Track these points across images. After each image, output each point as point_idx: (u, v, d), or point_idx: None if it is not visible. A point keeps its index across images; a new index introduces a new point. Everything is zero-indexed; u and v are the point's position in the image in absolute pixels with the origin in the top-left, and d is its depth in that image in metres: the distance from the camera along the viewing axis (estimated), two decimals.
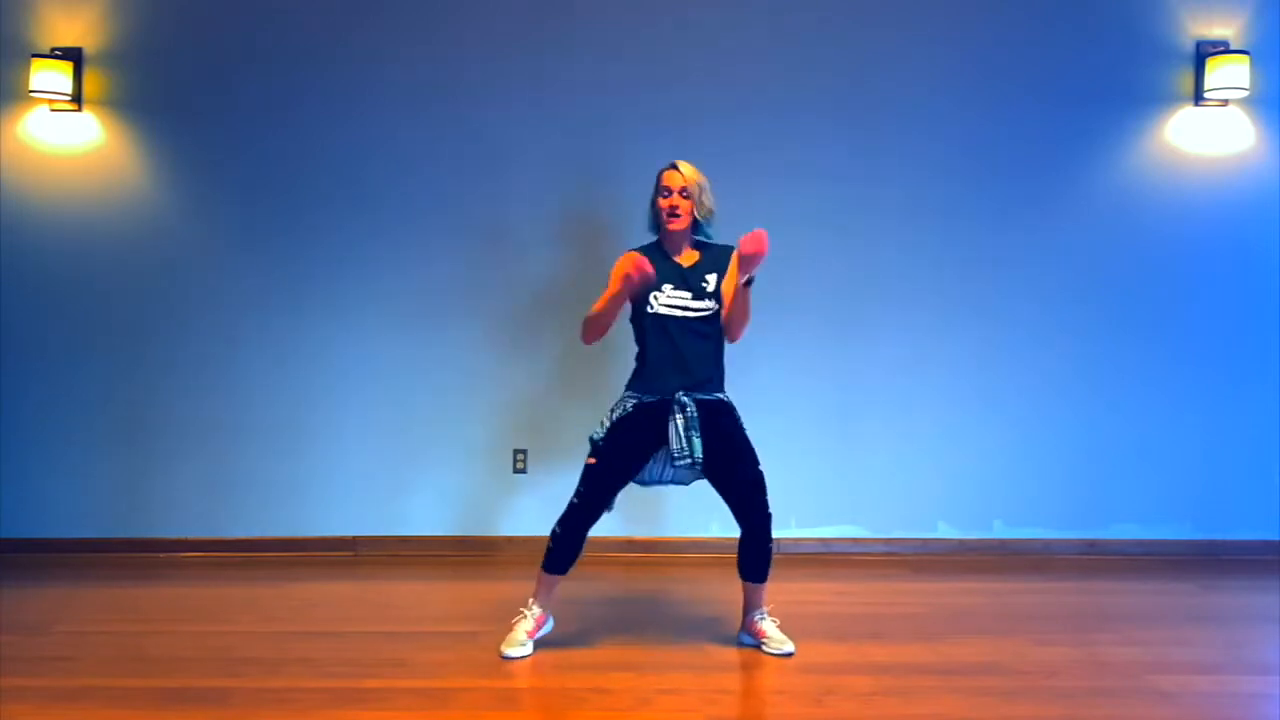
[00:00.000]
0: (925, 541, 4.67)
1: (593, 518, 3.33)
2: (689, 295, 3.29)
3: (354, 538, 4.66)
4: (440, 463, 4.64)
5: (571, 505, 3.33)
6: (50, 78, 4.43)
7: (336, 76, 4.60)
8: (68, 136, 4.59)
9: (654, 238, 3.44)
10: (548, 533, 4.61)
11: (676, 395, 3.23)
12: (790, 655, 3.26)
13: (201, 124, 4.61)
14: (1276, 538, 4.63)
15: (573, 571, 4.39)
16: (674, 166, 3.34)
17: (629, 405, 3.31)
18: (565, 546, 3.34)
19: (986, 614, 3.69)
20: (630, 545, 4.65)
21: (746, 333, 3.32)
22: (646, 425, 3.27)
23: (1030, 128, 4.61)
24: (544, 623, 3.39)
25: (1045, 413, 4.64)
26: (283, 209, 4.62)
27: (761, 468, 3.29)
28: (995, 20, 4.61)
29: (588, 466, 3.33)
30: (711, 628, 3.56)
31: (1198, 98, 4.57)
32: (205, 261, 4.62)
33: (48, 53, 4.48)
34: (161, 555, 4.59)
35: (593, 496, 3.30)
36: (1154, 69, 4.60)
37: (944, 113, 4.60)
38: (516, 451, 4.66)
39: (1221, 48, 4.52)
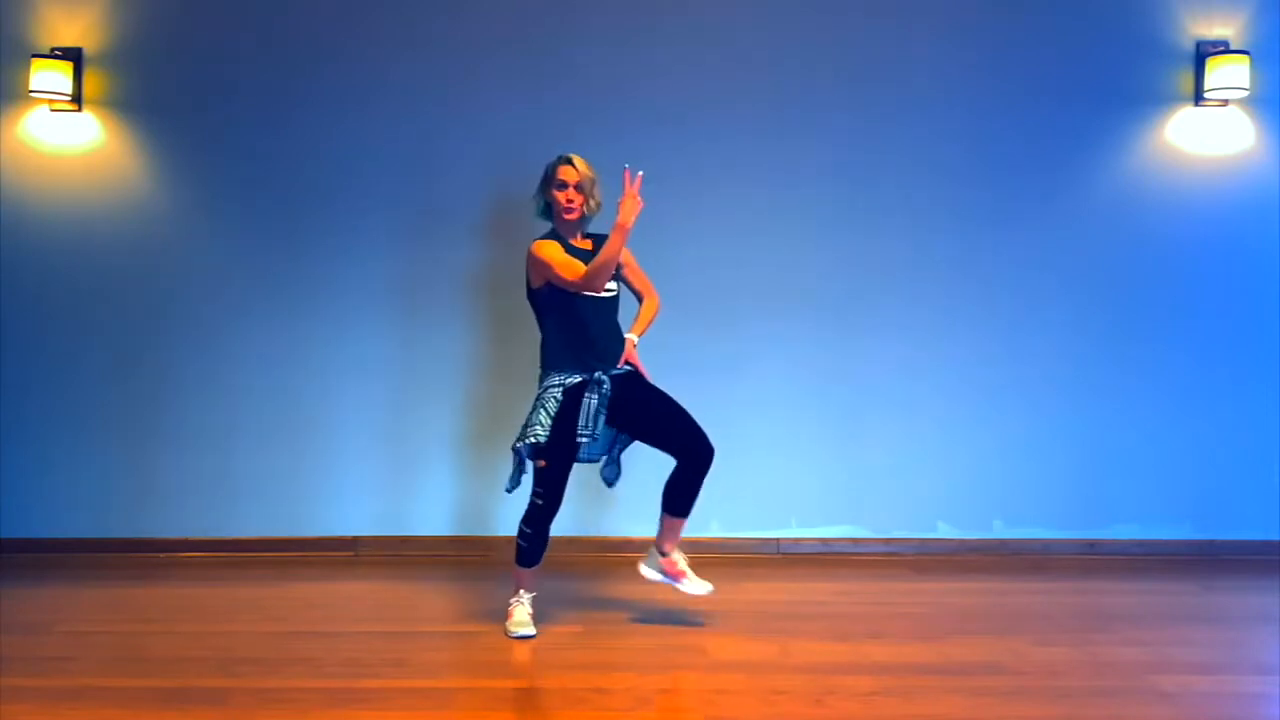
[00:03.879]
0: (925, 541, 4.66)
1: (556, 512, 3.48)
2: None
3: (354, 538, 4.66)
4: (440, 463, 4.64)
5: (534, 506, 3.46)
6: (50, 78, 4.43)
7: (336, 76, 4.60)
8: (68, 136, 4.59)
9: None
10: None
11: (595, 375, 3.42)
12: (708, 593, 3.51)
13: (201, 124, 4.60)
14: (1276, 538, 4.63)
15: (570, 571, 4.41)
16: (569, 161, 3.53)
17: (558, 395, 3.43)
18: (538, 543, 3.49)
19: (986, 614, 3.69)
20: (629, 545, 4.65)
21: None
22: (574, 409, 3.41)
23: (1030, 127, 4.61)
24: (531, 601, 3.53)
25: (1045, 413, 4.64)
26: (282, 209, 4.62)
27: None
28: (995, 20, 4.61)
29: (540, 470, 3.44)
30: (712, 627, 3.56)
31: (1198, 98, 4.57)
32: (205, 261, 4.62)
33: (48, 53, 4.48)
34: (161, 555, 4.58)
35: (553, 493, 3.44)
36: (1154, 69, 4.60)
37: (944, 112, 4.60)
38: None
39: (1221, 48, 4.52)
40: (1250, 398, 4.64)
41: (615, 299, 3.55)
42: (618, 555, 4.62)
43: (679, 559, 3.58)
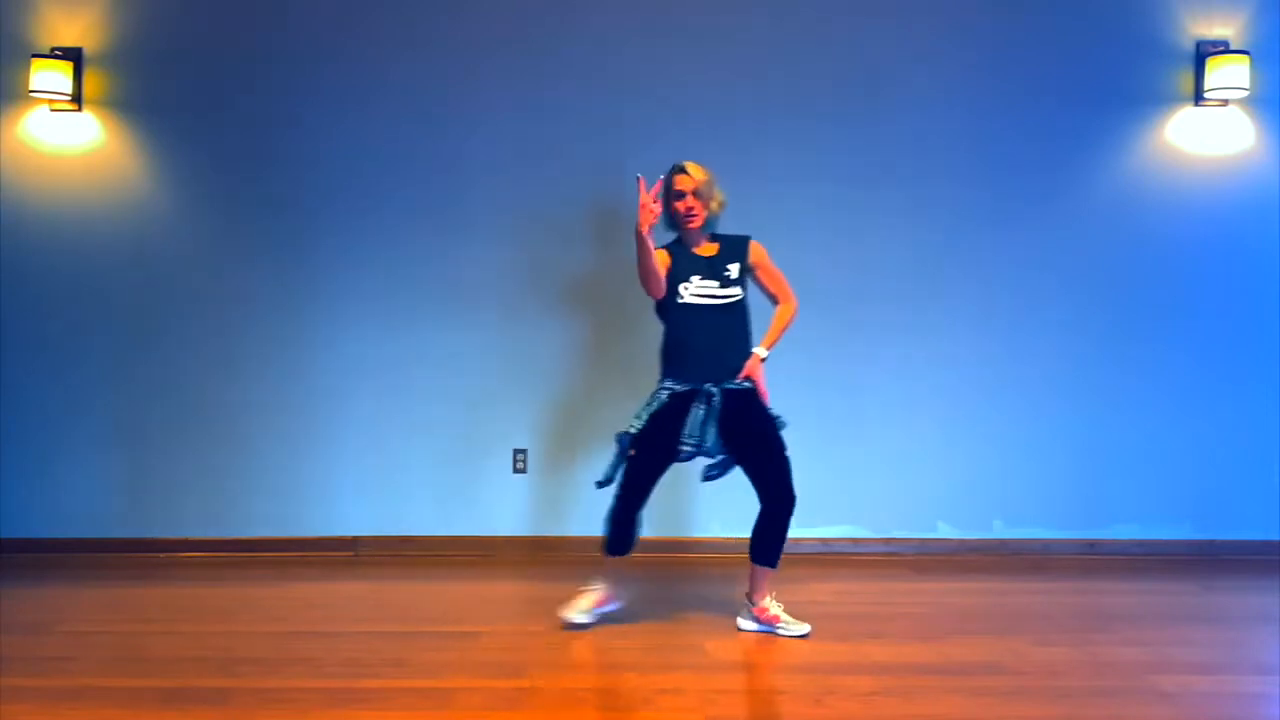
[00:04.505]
0: (925, 541, 4.67)
1: (640, 503, 3.49)
2: (716, 284, 3.46)
3: (354, 538, 4.66)
4: (440, 463, 4.64)
5: (618, 496, 3.49)
6: (50, 78, 4.43)
7: (337, 75, 4.60)
8: (68, 136, 4.59)
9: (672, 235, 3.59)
10: (547, 533, 4.66)
11: (705, 387, 3.39)
12: (806, 636, 3.39)
13: (201, 124, 4.61)
14: (1276, 538, 4.63)
15: (571, 571, 4.40)
16: (683, 170, 3.49)
17: (664, 396, 3.46)
18: (622, 532, 3.51)
19: (986, 614, 3.69)
20: None
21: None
22: (681, 412, 3.40)
23: (1030, 127, 4.61)
24: (609, 600, 3.56)
25: (1045, 413, 4.64)
26: (282, 209, 4.62)
27: (788, 453, 3.44)
28: (995, 20, 4.61)
29: (630, 459, 3.46)
30: (712, 627, 3.56)
31: (1198, 98, 4.57)
32: (205, 261, 4.62)
33: (48, 53, 4.48)
34: (161, 555, 4.58)
35: (636, 485, 3.46)
36: (1154, 69, 4.60)
37: (944, 112, 4.60)
38: (516, 451, 4.66)
39: (1221, 48, 4.52)
40: (1250, 398, 4.64)
41: (729, 306, 3.46)
42: None
43: (770, 605, 3.49)
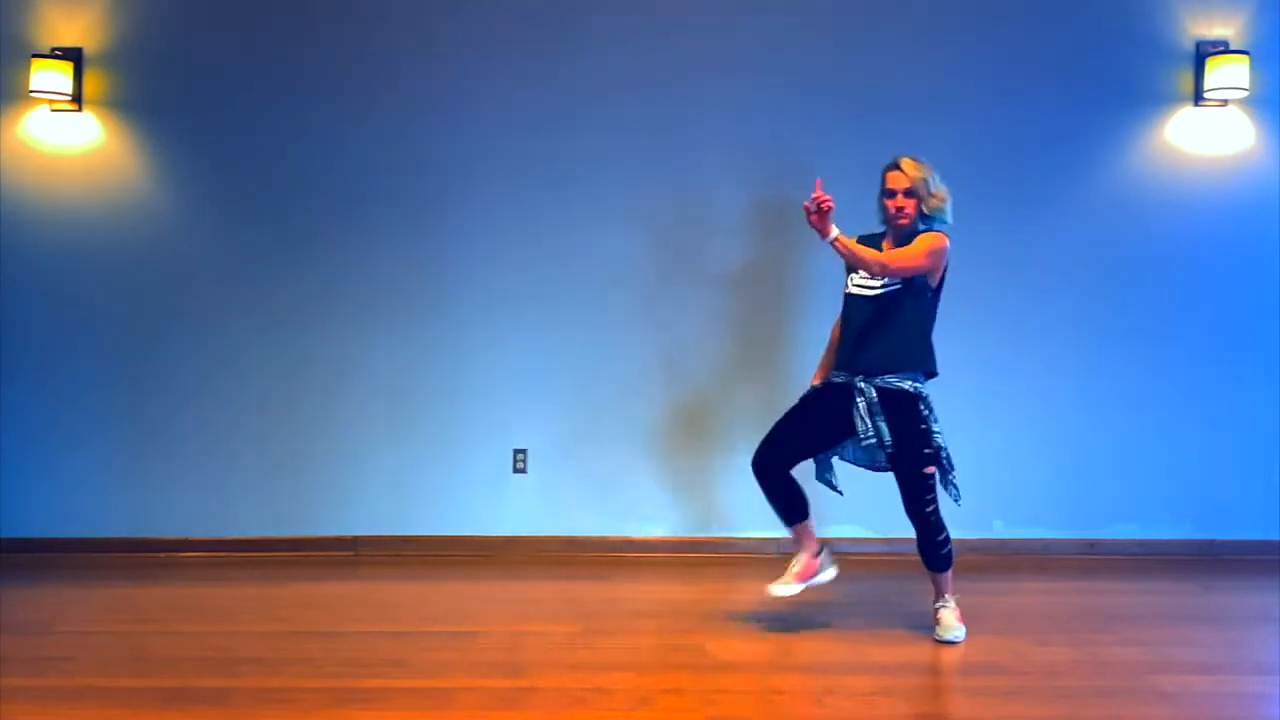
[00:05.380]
0: None
1: (773, 462, 3.44)
2: (869, 275, 3.37)
3: (354, 538, 4.66)
4: (440, 463, 4.64)
5: (752, 461, 3.47)
6: (50, 78, 4.43)
7: (338, 76, 4.60)
8: (68, 136, 4.59)
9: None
10: (547, 533, 4.66)
11: (856, 381, 3.35)
12: (953, 643, 3.33)
13: (202, 124, 4.60)
14: (1276, 538, 4.63)
15: (570, 571, 4.41)
16: (897, 166, 3.41)
17: (818, 383, 3.52)
18: (775, 499, 3.48)
19: (986, 614, 3.69)
20: (630, 545, 4.65)
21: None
22: (830, 400, 3.42)
23: (1029, 127, 4.61)
24: (816, 568, 3.52)
25: (1045, 413, 4.64)
26: (282, 209, 4.62)
27: (929, 469, 3.35)
28: (995, 21, 4.60)
29: (787, 413, 3.50)
30: (712, 627, 3.56)
31: (1198, 98, 4.57)
32: (205, 261, 4.62)
33: (48, 53, 4.48)
34: (161, 555, 4.58)
35: (770, 438, 3.46)
36: (1154, 69, 4.60)
37: (944, 113, 4.59)
38: (516, 451, 4.66)
39: (1221, 48, 4.52)
40: (1250, 398, 4.64)
41: (879, 298, 3.37)
42: (617, 556, 4.62)
43: (939, 606, 3.44)
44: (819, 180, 3.21)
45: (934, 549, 3.41)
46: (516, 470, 4.66)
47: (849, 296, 3.48)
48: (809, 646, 3.34)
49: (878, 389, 3.34)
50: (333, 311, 4.62)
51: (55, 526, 4.59)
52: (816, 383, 3.58)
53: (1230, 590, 4.09)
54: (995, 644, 3.35)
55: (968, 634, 3.39)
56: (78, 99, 4.54)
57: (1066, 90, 4.60)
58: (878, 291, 3.38)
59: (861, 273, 3.40)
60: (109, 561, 4.49)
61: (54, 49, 4.50)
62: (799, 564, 3.49)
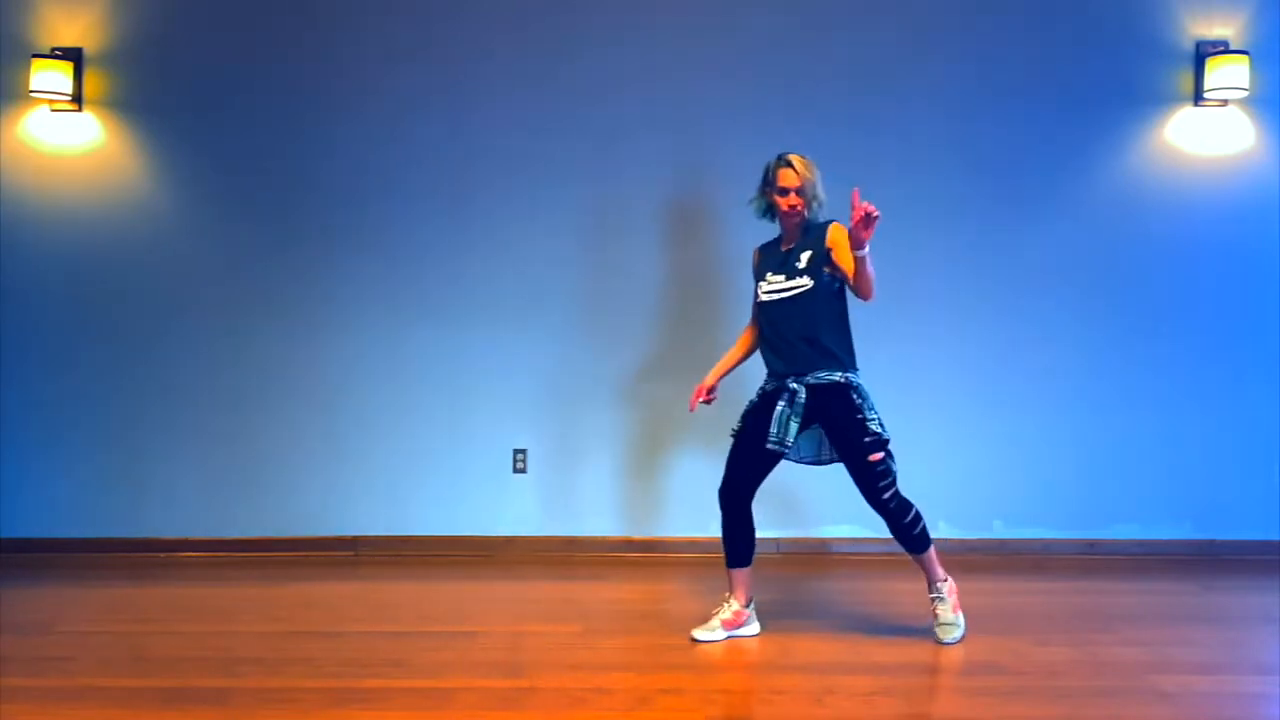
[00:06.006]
0: None
1: (732, 501, 3.43)
2: (783, 278, 3.38)
3: (354, 538, 4.66)
4: (440, 463, 4.64)
5: (718, 494, 3.45)
6: (50, 78, 4.43)
7: (338, 76, 4.60)
8: (68, 136, 4.59)
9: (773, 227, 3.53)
10: (548, 533, 4.67)
11: (787, 381, 3.33)
12: (953, 643, 3.31)
13: (201, 124, 4.61)
14: (1276, 538, 4.63)
15: (570, 571, 4.41)
16: (788, 164, 3.37)
17: (756, 393, 3.46)
18: (727, 534, 3.45)
19: (986, 614, 3.69)
20: (629, 545, 4.65)
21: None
22: (766, 409, 3.37)
23: (1030, 127, 4.61)
24: (744, 619, 3.45)
25: (1045, 413, 4.64)
26: (282, 209, 4.62)
27: (875, 456, 3.29)
28: (995, 21, 4.61)
29: (730, 452, 3.46)
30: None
31: (1198, 98, 4.57)
32: (205, 261, 4.62)
33: (48, 53, 4.48)
34: (161, 555, 4.59)
35: (729, 476, 3.43)
36: (1154, 69, 4.60)
37: (944, 113, 4.60)
38: (516, 451, 4.66)
39: (1221, 48, 4.52)
40: (1250, 398, 4.64)
41: (796, 298, 3.34)
42: (618, 555, 4.63)
43: (934, 598, 3.41)
44: (857, 190, 3.13)
45: (906, 530, 3.39)
46: (516, 470, 4.66)
47: (765, 304, 3.42)
48: (809, 646, 3.34)
49: (808, 386, 3.33)
50: (332, 311, 4.63)
51: (55, 526, 4.59)
52: (702, 383, 3.56)
53: (1230, 590, 4.09)
54: (995, 644, 3.34)
55: (967, 625, 3.38)
56: (78, 99, 4.54)
57: (1066, 90, 4.60)
58: (789, 294, 3.36)
59: (770, 277, 3.40)
60: (109, 561, 4.49)
61: (54, 49, 4.50)
62: (728, 612, 3.43)
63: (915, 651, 3.28)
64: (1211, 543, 4.64)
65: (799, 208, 3.37)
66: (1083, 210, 4.62)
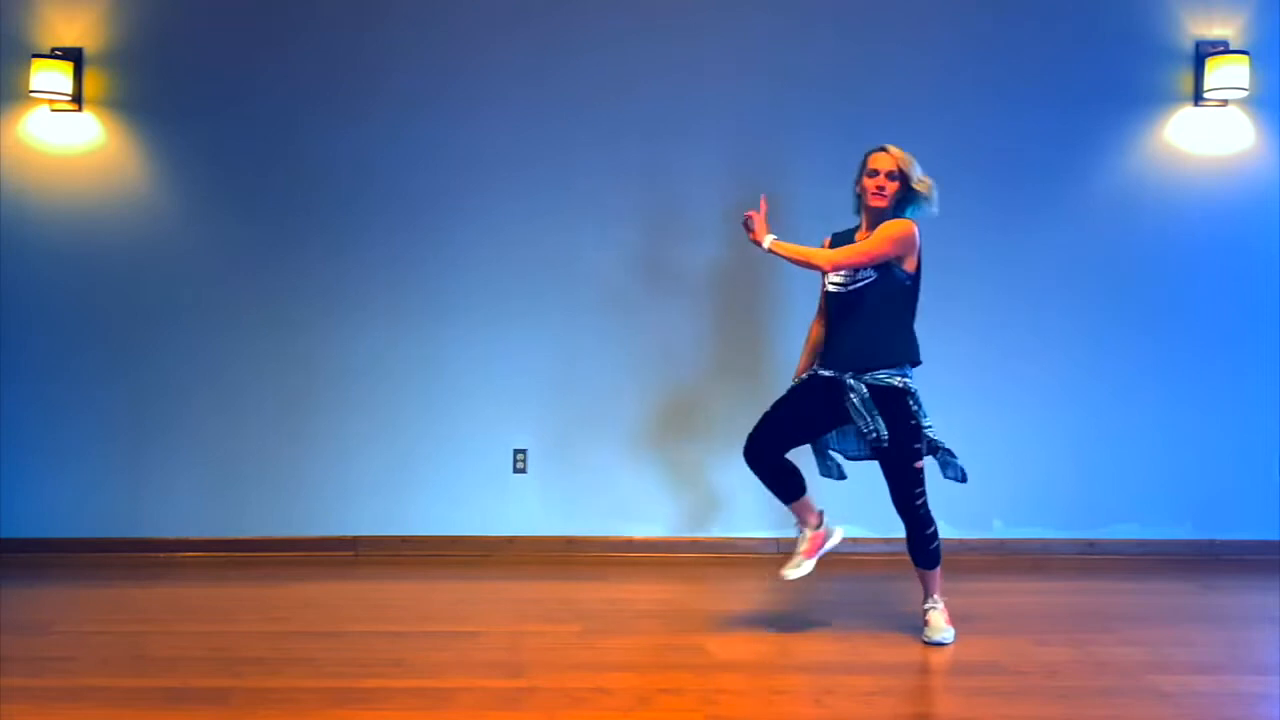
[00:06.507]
0: None
1: (760, 446, 3.44)
2: (849, 270, 3.36)
3: (354, 538, 4.66)
4: (440, 463, 4.64)
5: (744, 450, 3.47)
6: (50, 78, 4.43)
7: (337, 76, 4.60)
8: (68, 136, 4.59)
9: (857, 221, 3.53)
10: (548, 533, 4.67)
11: (846, 378, 3.34)
12: (942, 645, 3.32)
13: (202, 124, 4.60)
14: (1276, 538, 4.62)
15: (570, 571, 4.41)
16: (883, 149, 3.40)
17: (808, 373, 3.49)
18: (770, 481, 3.48)
19: (986, 614, 3.69)
20: (629, 545, 4.65)
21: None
22: (819, 392, 3.41)
23: (1029, 127, 4.61)
24: (822, 539, 3.53)
25: (1045, 412, 4.63)
26: (283, 209, 4.62)
27: (918, 464, 3.36)
28: (995, 20, 4.60)
29: (779, 400, 3.51)
30: (712, 627, 3.56)
31: (1197, 98, 4.57)
32: (205, 261, 4.62)
33: (48, 53, 4.48)
34: (161, 555, 4.58)
35: (760, 427, 3.46)
36: (1154, 69, 4.60)
37: (943, 113, 4.60)
38: (516, 451, 4.66)
39: (1221, 48, 4.52)
40: (1250, 398, 4.64)
41: (857, 291, 3.35)
42: (618, 555, 4.63)
43: (928, 608, 3.44)
44: (764, 196, 3.36)
45: (924, 543, 3.41)
46: (516, 470, 4.66)
47: (827, 294, 3.48)
48: (809, 646, 3.34)
49: (868, 385, 3.33)
50: (332, 311, 4.63)
51: (55, 526, 4.59)
52: (801, 370, 3.57)
53: (1230, 590, 4.09)
54: (995, 644, 3.35)
55: (957, 636, 3.38)
56: (78, 99, 4.54)
57: (1066, 90, 4.60)
58: (851, 287, 3.37)
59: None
60: (109, 561, 4.49)
61: (54, 49, 4.50)
62: (805, 542, 3.51)
63: (915, 651, 3.28)
64: (1211, 543, 4.64)
65: (887, 190, 3.34)
66: (1082, 210, 4.62)
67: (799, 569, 3.46)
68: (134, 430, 4.62)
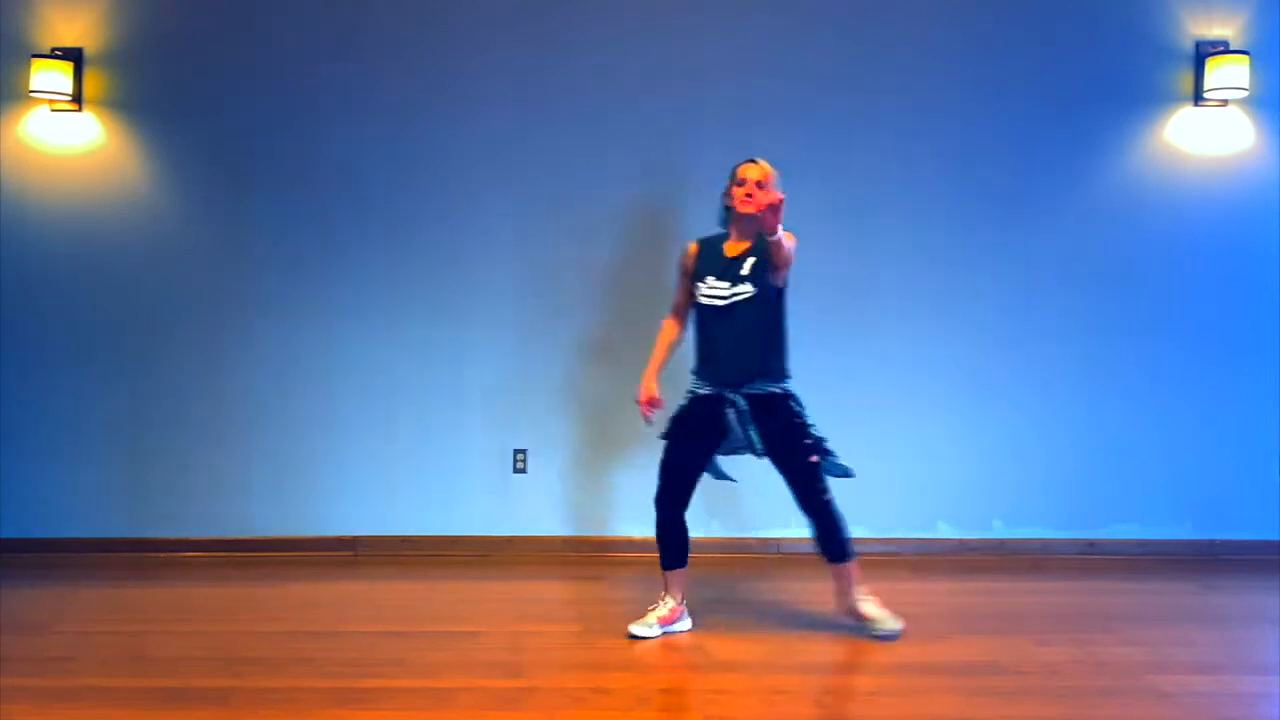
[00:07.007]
0: (925, 541, 4.66)
1: (671, 506, 3.48)
2: (727, 284, 3.39)
3: (354, 538, 4.66)
4: (440, 463, 4.64)
5: (655, 500, 3.49)
6: (50, 78, 4.43)
7: (338, 76, 4.60)
8: (68, 136, 4.59)
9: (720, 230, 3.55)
10: (547, 533, 4.67)
11: (725, 392, 3.36)
12: (896, 635, 3.34)
13: (202, 124, 4.61)
14: (1276, 538, 4.63)
15: (570, 571, 4.41)
16: (753, 161, 3.47)
17: (687, 397, 3.48)
18: (664, 540, 3.50)
19: (986, 614, 3.69)
20: (630, 545, 4.65)
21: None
22: (703, 416, 3.41)
23: (1029, 127, 4.61)
24: (678, 615, 3.50)
25: (1045, 412, 4.64)
26: (282, 209, 4.62)
27: (813, 458, 3.38)
28: (995, 20, 4.61)
29: (663, 456, 3.49)
30: (711, 627, 3.56)
31: (1197, 98, 4.57)
32: (205, 261, 4.62)
33: (48, 53, 4.48)
34: (161, 555, 4.58)
35: (665, 486, 3.47)
36: (1154, 69, 4.60)
37: (944, 113, 4.60)
38: (516, 451, 4.66)
39: (1221, 48, 4.52)
40: (1250, 398, 4.64)
41: (735, 306, 3.37)
42: (618, 555, 4.63)
43: (858, 602, 3.45)
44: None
45: (835, 535, 3.43)
46: (516, 470, 4.66)
47: (701, 306, 3.45)
48: (809, 646, 3.34)
49: (746, 396, 3.36)
50: (332, 311, 4.63)
51: (55, 526, 4.59)
52: (648, 392, 3.52)
53: (1230, 590, 4.10)
54: (995, 644, 3.35)
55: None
56: (78, 99, 4.54)
57: (1067, 90, 4.60)
58: (730, 300, 3.38)
59: (710, 280, 3.41)
60: (109, 561, 4.49)
61: (54, 49, 4.50)
62: (664, 609, 3.48)
63: (915, 651, 3.28)
64: (1211, 542, 4.64)
65: (754, 198, 3.35)
66: (1082, 210, 4.62)
67: (649, 629, 3.41)
68: (134, 430, 4.62)
